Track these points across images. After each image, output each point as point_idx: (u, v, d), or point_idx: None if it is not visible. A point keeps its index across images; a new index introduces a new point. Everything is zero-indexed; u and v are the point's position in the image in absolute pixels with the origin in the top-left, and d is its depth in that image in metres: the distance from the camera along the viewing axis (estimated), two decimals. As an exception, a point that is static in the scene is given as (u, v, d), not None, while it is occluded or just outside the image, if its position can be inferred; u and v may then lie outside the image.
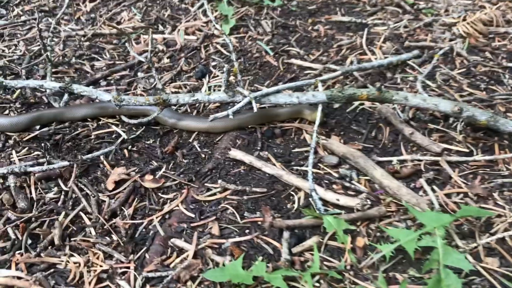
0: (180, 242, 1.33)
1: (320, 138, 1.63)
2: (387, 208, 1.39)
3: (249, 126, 1.73)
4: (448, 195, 1.43)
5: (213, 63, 2.12)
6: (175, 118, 1.73)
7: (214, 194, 1.49)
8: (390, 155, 1.59)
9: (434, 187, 1.45)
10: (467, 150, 1.58)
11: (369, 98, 1.59)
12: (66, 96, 1.80)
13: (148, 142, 1.70)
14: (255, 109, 1.57)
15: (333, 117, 1.75)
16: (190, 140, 1.70)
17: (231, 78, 1.91)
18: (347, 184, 1.48)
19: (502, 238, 1.28)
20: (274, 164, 1.56)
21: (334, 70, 1.93)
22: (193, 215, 1.42)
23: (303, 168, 1.55)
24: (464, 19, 2.22)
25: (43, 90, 1.86)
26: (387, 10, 2.42)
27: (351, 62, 2.01)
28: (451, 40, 2.14)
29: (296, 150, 1.64)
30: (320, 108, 1.60)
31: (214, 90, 1.94)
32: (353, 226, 1.34)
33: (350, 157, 1.54)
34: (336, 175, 1.53)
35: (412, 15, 2.35)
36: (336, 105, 1.77)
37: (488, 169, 1.52)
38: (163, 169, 1.58)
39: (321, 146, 1.62)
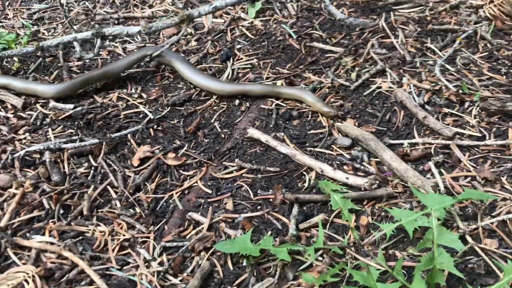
0: (196, 216, 1.44)
1: (336, 121, 1.69)
2: (394, 190, 1.45)
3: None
4: (455, 179, 1.47)
5: (238, 46, 2.19)
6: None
7: (231, 172, 1.58)
8: (403, 138, 1.63)
9: (442, 170, 1.50)
10: (479, 135, 1.60)
11: None
12: (99, 42, 1.98)
13: (173, 122, 1.81)
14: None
15: (350, 100, 1.81)
16: (212, 121, 1.80)
17: None
18: (358, 166, 1.54)
19: (503, 221, 1.31)
20: (288, 145, 1.64)
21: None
22: (210, 191, 1.53)
23: (317, 149, 1.62)
24: (491, 1, 2.20)
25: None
26: (414, -9, 2.41)
27: (372, 46, 2.04)
28: (476, 23, 2.13)
29: (312, 132, 1.71)
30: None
31: (238, 70, 2.03)
32: (359, 206, 1.40)
33: (362, 140, 1.60)
34: (348, 156, 1.59)
35: (439, -4, 2.34)
36: (352, 87, 1.82)
37: (499, 154, 1.54)
38: (185, 148, 1.69)
39: (336, 129, 1.69)
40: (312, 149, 1.63)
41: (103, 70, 1.97)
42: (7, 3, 2.70)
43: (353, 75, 1.90)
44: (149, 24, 1.81)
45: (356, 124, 1.70)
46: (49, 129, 1.78)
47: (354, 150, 1.61)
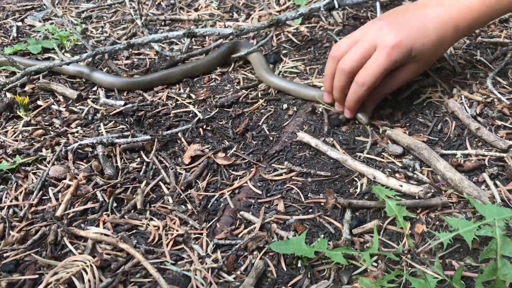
0: (248, 215, 1.45)
1: (386, 129, 1.68)
2: (448, 199, 1.43)
3: (316, 112, 1.82)
4: (511, 191, 1.45)
5: (284, 51, 2.21)
6: None
7: (280, 174, 1.59)
8: (455, 149, 1.62)
9: (497, 182, 1.48)
10: (534, 149, 1.58)
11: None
12: (188, 41, 2.13)
13: (221, 123, 1.82)
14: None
15: (400, 109, 1.80)
16: (260, 123, 1.81)
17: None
18: (410, 174, 1.53)
19: None
20: (338, 150, 1.64)
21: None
22: (260, 192, 1.53)
23: (366, 155, 1.62)
24: (542, 16, 2.17)
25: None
26: (461, 4, 2.40)
27: (421, 56, 2.03)
28: (527, 37, 2.11)
29: (361, 138, 1.70)
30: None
31: (285, 74, 2.04)
32: (413, 214, 1.39)
33: (414, 148, 1.59)
34: (399, 164, 1.58)
35: (487, 10, 2.32)
36: (402, 96, 1.82)
37: (555, 169, 1.52)
38: (234, 148, 1.70)
39: (386, 137, 1.68)
40: (361, 154, 1.62)
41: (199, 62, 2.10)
42: (56, 1, 2.77)
43: (403, 84, 1.89)
44: (241, 26, 2.03)
45: (407, 132, 1.69)
46: (101, 124, 1.81)
47: (406, 158, 1.60)
